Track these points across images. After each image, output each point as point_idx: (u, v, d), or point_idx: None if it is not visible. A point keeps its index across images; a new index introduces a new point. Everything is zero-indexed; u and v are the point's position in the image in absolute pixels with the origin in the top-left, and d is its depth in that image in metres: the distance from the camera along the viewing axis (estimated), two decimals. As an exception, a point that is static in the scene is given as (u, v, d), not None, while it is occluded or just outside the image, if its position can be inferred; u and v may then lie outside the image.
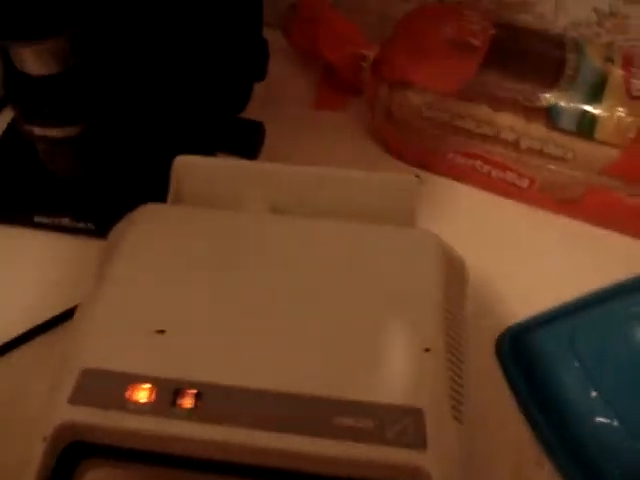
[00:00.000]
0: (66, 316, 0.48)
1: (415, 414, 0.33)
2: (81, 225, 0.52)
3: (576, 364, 0.43)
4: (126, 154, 0.52)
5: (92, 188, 0.52)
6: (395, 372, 0.35)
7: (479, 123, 0.52)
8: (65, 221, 0.51)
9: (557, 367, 0.44)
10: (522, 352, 0.46)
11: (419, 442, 0.33)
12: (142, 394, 0.34)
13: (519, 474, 0.41)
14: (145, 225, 0.41)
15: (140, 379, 0.35)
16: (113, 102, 0.49)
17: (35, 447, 0.33)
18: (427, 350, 0.36)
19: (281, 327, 0.37)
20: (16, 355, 0.47)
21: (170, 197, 0.45)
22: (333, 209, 0.44)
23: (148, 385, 0.34)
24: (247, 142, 0.55)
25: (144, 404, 0.34)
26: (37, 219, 0.52)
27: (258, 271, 0.39)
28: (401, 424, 0.33)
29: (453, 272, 0.41)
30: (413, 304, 0.38)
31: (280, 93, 0.63)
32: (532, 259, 0.52)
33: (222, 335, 0.36)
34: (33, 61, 0.45)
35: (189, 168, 0.45)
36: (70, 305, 0.47)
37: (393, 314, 0.37)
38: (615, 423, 0.41)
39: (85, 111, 0.48)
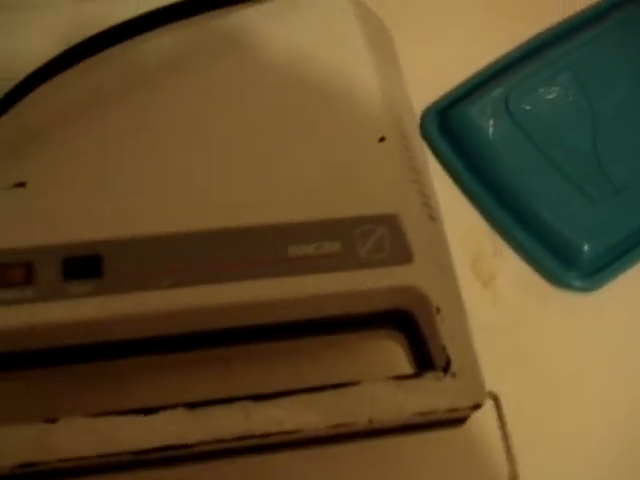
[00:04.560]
0: None
1: (389, 221, 0.26)
2: None
3: (516, 131, 0.37)
4: None
5: None
6: (351, 175, 0.27)
7: None
8: None
9: (495, 138, 0.37)
10: (451, 129, 0.39)
11: (403, 255, 0.25)
12: (13, 274, 0.24)
13: (478, 266, 0.36)
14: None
15: (7, 254, 0.24)
16: None
17: None
18: (382, 139, 0.28)
19: (192, 147, 0.27)
20: None
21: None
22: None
23: (21, 260, 0.24)
24: None
25: (18, 288, 0.24)
26: None
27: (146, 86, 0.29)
28: (375, 237, 0.26)
29: (380, 40, 0.32)
30: (351, 90, 0.29)
31: None
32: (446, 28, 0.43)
33: (114, 177, 0.26)
34: None
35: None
36: None
37: (330, 106, 0.28)
38: (572, 190, 0.36)
39: None
